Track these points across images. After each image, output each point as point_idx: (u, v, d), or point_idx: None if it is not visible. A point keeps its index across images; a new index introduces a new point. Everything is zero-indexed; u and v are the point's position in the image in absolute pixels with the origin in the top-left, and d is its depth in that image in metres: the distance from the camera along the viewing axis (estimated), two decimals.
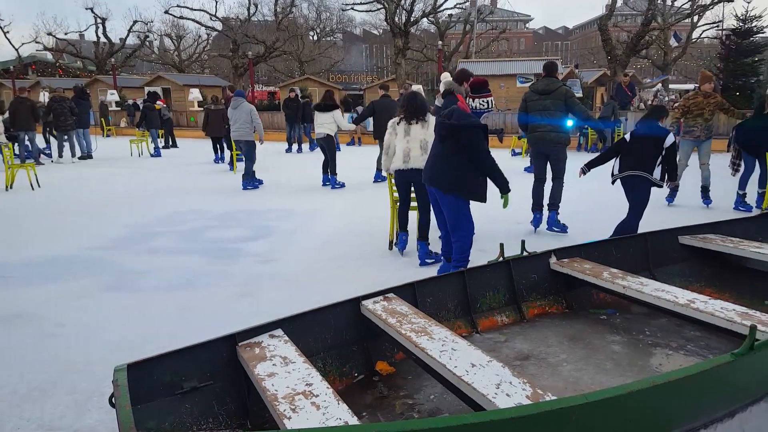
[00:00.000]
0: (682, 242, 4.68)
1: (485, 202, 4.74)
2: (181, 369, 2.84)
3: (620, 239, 4.66)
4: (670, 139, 5.45)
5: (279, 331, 3.13)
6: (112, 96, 27.70)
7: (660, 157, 5.45)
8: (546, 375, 3.29)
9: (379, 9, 29.17)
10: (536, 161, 6.97)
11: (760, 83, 19.50)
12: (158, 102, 18.32)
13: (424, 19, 32.31)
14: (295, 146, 18.01)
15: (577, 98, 6.84)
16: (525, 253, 4.26)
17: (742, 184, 8.11)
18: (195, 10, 35.19)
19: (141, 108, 17.95)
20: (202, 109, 17.58)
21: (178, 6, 33.61)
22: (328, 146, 10.69)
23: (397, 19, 25.73)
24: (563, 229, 6.92)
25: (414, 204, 5.94)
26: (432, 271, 5.23)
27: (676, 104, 7.71)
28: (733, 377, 2.63)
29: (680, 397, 2.47)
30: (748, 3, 25.99)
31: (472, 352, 2.79)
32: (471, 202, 4.76)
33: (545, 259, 4.30)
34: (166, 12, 34.31)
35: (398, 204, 6.04)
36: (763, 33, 22.08)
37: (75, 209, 8.97)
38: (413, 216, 6.10)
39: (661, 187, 5.67)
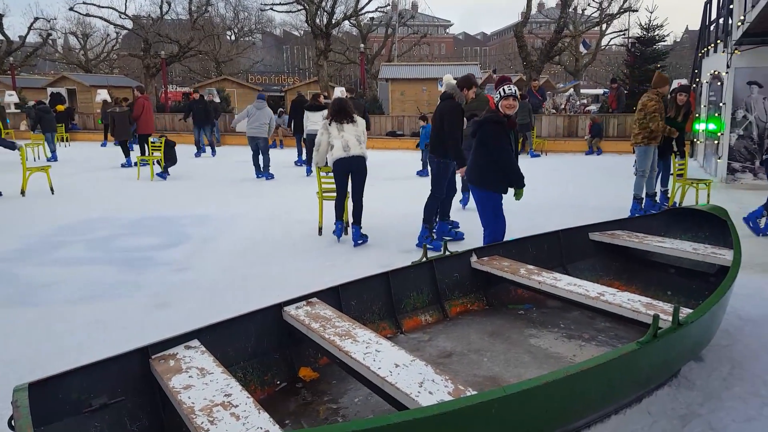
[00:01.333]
0: (592, 238, 4.91)
1: (505, 193, 5.08)
2: (89, 386, 2.69)
3: (535, 237, 4.83)
4: None
5: (195, 342, 3.02)
6: (11, 97, 25.87)
7: None
8: (468, 371, 3.36)
9: (299, 10, 28.90)
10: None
11: None
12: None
13: (346, 22, 32.29)
14: (208, 149, 17.11)
15: None
16: (447, 253, 4.33)
17: (650, 185, 8.49)
18: (103, 7, 33.39)
19: (34, 110, 16.70)
20: (108, 111, 16.66)
21: (84, 3, 31.86)
22: None
23: (318, 20, 25.57)
24: None
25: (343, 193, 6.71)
26: (358, 263, 5.21)
27: (650, 110, 7.75)
28: (639, 364, 2.78)
29: (592, 385, 2.58)
30: (651, 13, 27.91)
31: (396, 352, 2.80)
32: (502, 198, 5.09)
33: (466, 257, 4.39)
34: (71, 9, 32.43)
35: (336, 195, 6.70)
36: (664, 41, 23.67)
37: None
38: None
39: None
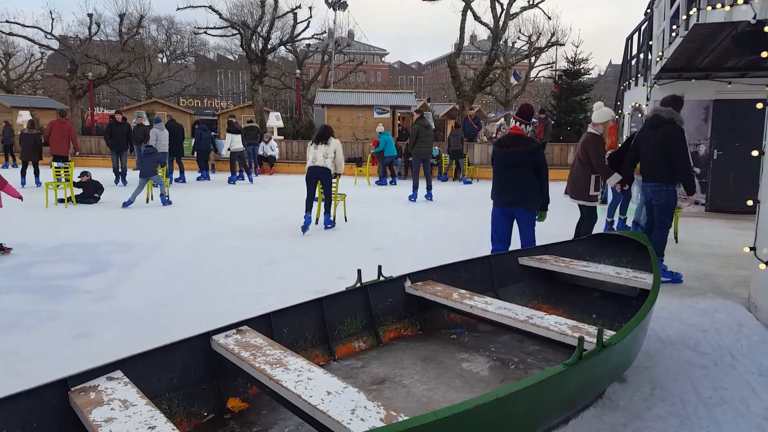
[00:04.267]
0: (522, 263, 5.04)
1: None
2: (2, 421, 2.52)
3: (468, 261, 4.91)
4: None
5: (118, 373, 2.88)
6: None
7: None
8: (400, 397, 3.35)
9: (234, 35, 28.69)
10: (417, 164, 12.70)
11: (588, 119, 21.91)
12: None
13: (282, 47, 32.24)
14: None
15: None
16: (381, 278, 4.33)
17: (611, 212, 8.55)
18: (27, 26, 31.73)
19: None
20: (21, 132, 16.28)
21: (7, 21, 30.36)
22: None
23: (253, 45, 25.44)
24: (431, 197, 12.64)
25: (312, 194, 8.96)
26: (292, 289, 5.08)
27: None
28: (566, 385, 2.86)
29: (522, 407, 2.63)
30: (577, 47, 29.36)
31: (328, 380, 2.77)
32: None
33: (400, 282, 4.41)
34: None
35: (307, 193, 8.87)
36: (589, 74, 24.97)
37: None
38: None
39: None
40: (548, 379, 2.66)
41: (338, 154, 9.01)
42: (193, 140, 17.21)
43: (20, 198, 7.37)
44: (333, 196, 9.44)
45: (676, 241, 8.06)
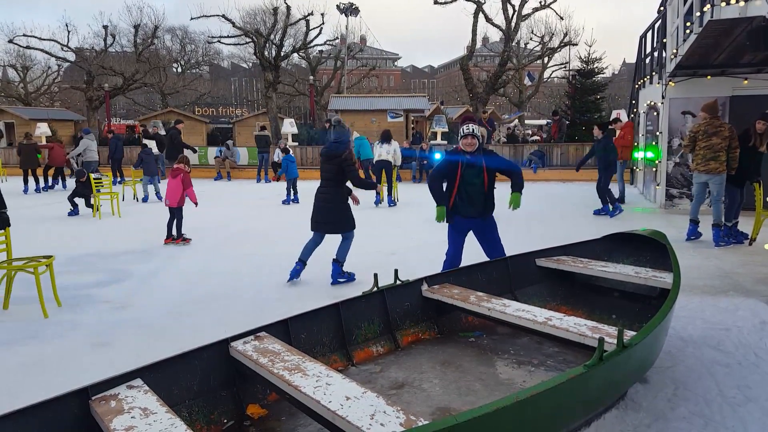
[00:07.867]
0: (539, 264, 5.00)
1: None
2: (24, 431, 2.53)
3: (484, 264, 4.89)
4: None
5: (138, 381, 2.90)
6: None
7: None
8: (419, 401, 3.34)
9: (247, 43, 28.89)
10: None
11: (603, 118, 21.71)
12: None
13: (295, 54, 32.38)
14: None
15: None
16: (398, 282, 4.32)
17: (728, 215, 7.97)
18: (44, 39, 32.23)
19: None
20: (45, 144, 18.09)
21: (24, 35, 30.87)
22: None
23: (266, 53, 25.59)
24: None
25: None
26: (309, 296, 5.09)
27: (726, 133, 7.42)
28: (587, 387, 2.82)
29: (542, 409, 2.60)
30: (590, 47, 29.16)
31: (346, 385, 2.76)
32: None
33: (417, 286, 4.39)
34: (11, 41, 31.40)
35: (376, 179, 12.43)
36: (603, 73, 24.76)
37: None
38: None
39: None
40: (569, 380, 2.63)
41: (397, 151, 12.73)
42: (108, 149, 17.86)
43: (196, 204, 8.63)
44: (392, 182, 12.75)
45: (750, 244, 7.71)
